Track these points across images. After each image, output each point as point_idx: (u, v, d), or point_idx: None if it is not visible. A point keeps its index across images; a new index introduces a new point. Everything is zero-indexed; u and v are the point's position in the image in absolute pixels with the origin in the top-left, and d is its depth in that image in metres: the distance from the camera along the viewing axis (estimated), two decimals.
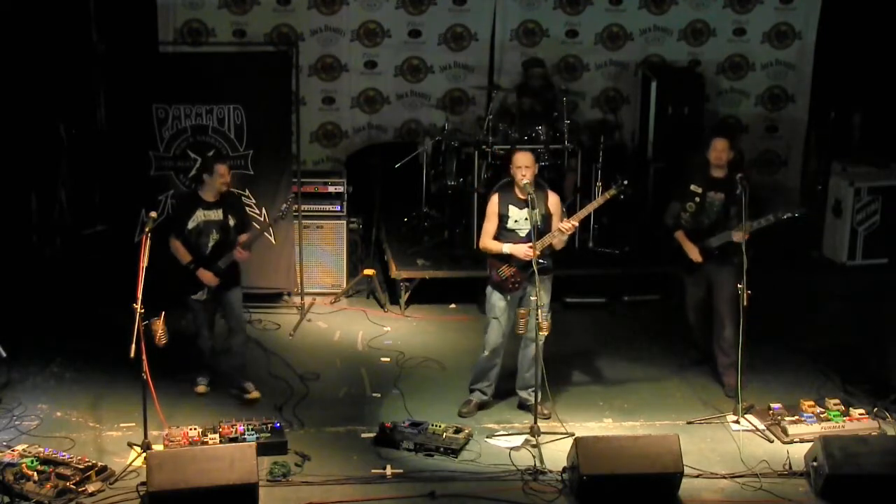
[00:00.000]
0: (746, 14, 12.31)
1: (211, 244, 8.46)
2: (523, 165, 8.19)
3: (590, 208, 8.54)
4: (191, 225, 8.44)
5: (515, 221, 8.25)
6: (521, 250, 8.15)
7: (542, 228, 8.15)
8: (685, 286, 9.04)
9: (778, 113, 12.57)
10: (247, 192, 10.00)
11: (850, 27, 11.97)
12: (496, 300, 8.35)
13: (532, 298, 8.00)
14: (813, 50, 12.30)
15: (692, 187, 8.71)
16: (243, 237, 8.55)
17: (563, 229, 8.13)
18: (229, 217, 8.50)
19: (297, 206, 10.25)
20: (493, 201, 8.33)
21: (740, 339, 8.28)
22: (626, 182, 8.49)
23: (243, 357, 8.81)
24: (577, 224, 8.25)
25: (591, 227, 11.08)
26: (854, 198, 11.41)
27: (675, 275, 9.21)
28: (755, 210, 8.50)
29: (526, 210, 8.19)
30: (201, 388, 8.72)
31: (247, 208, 9.34)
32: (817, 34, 12.24)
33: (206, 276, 8.44)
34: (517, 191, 8.24)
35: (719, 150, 8.62)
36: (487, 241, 8.32)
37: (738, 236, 8.40)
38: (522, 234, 8.24)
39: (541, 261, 8.09)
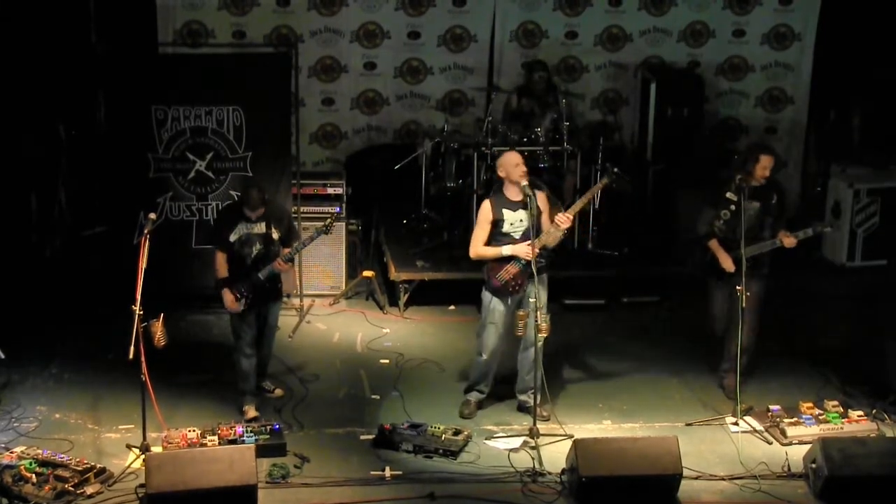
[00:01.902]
0: (746, 15, 12.31)
1: (254, 255, 8.35)
2: (521, 163, 8.20)
3: (584, 200, 8.51)
4: (233, 237, 8.34)
5: (511, 224, 8.23)
6: (523, 250, 8.14)
7: (538, 227, 8.17)
8: (712, 295, 8.80)
9: (777, 114, 12.58)
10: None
11: (850, 28, 11.97)
12: (496, 305, 8.33)
13: (531, 300, 8.01)
14: (812, 51, 12.30)
15: (728, 195, 8.59)
16: (286, 250, 8.41)
17: (560, 223, 8.13)
18: (272, 229, 8.37)
19: (296, 207, 10.26)
20: (487, 208, 8.28)
21: (739, 341, 8.29)
22: (616, 170, 8.54)
23: (266, 362, 8.77)
24: (572, 217, 8.24)
25: (591, 228, 11.07)
26: (853, 199, 11.41)
27: (704, 282, 8.92)
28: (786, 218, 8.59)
29: (520, 212, 8.18)
30: (252, 413, 8.36)
31: (293, 220, 9.09)
32: (816, 36, 12.24)
33: (227, 298, 8.29)
34: (511, 193, 8.23)
35: (765, 167, 8.50)
36: (481, 249, 8.28)
37: (789, 241, 8.40)
38: (517, 236, 8.24)
39: (540, 260, 8.10)
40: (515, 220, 8.23)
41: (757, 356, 8.90)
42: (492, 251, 8.24)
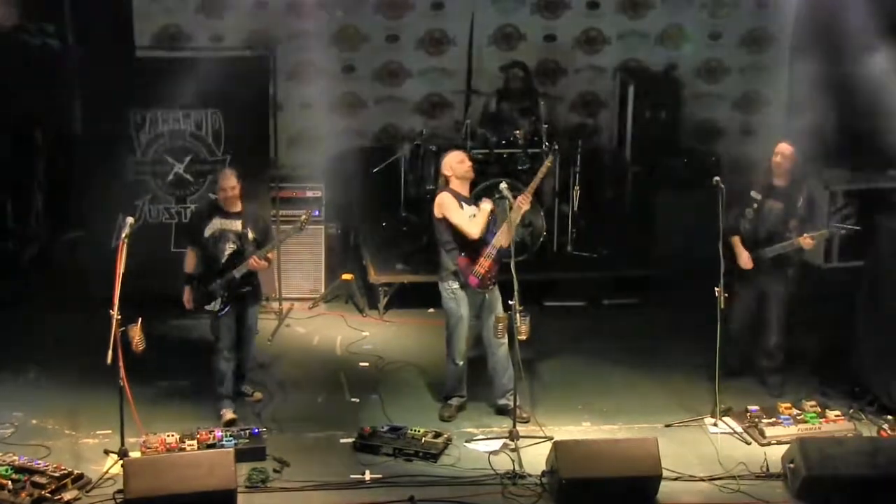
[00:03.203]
0: (722, 18, 12.36)
1: (228, 252, 8.35)
2: (465, 159, 8.42)
3: (538, 178, 8.53)
4: (207, 233, 8.34)
5: (469, 217, 8.34)
6: (504, 239, 8.20)
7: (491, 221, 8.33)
8: (735, 295, 8.67)
9: (754, 117, 12.63)
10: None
11: (824, 30, 12.02)
12: (461, 311, 8.38)
13: (511, 302, 8.03)
14: (787, 54, 12.36)
15: (752, 193, 8.64)
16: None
17: (521, 204, 8.20)
18: (248, 228, 8.35)
19: (275, 210, 10.24)
20: (450, 197, 8.33)
21: (718, 342, 8.34)
22: (556, 146, 8.81)
23: (245, 366, 8.74)
24: (530, 197, 8.33)
25: (570, 231, 11.10)
26: (830, 201, 11.46)
27: (735, 280, 8.79)
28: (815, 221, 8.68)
29: (473, 207, 8.32)
30: (230, 416, 8.31)
31: (270, 223, 9.03)
32: (791, 38, 12.30)
33: (186, 296, 8.36)
34: (459, 189, 8.34)
35: (784, 155, 8.52)
36: (472, 227, 8.27)
37: (807, 243, 8.44)
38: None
39: (505, 250, 8.20)
40: (469, 215, 8.32)
41: (736, 357, 8.94)
42: (482, 218, 8.27)
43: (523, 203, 8.23)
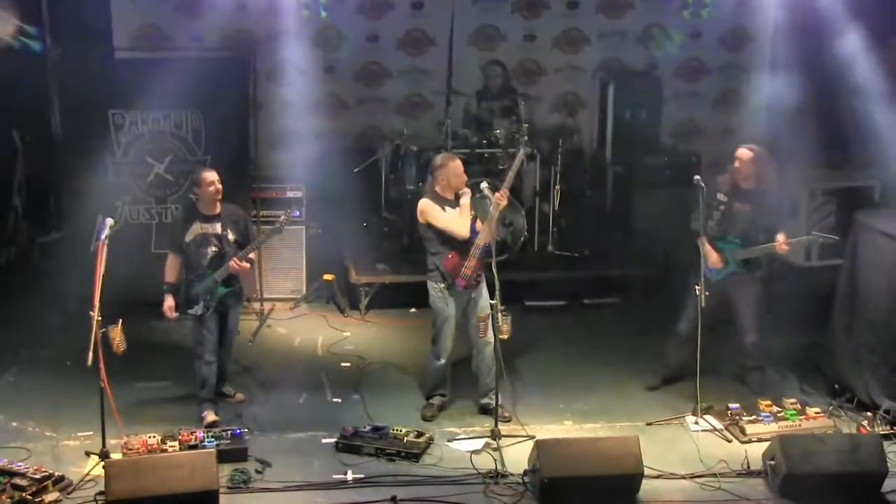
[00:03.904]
0: (701, 18, 12.40)
1: (210, 256, 8.30)
2: (463, 172, 8.42)
3: (512, 174, 8.55)
4: (188, 238, 8.30)
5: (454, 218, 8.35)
6: (487, 237, 8.24)
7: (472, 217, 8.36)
8: (689, 297, 8.61)
9: (734, 116, 12.68)
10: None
11: (803, 30, 12.08)
12: (448, 309, 8.41)
13: (492, 301, 8.05)
14: (767, 53, 12.41)
15: (718, 196, 8.64)
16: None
17: (497, 200, 8.22)
18: (228, 231, 8.33)
19: (255, 210, 10.23)
20: (429, 203, 8.35)
21: (699, 340, 8.37)
22: (525, 138, 8.96)
23: (227, 367, 8.73)
24: (507, 193, 8.37)
25: (551, 230, 11.12)
26: (809, 199, 11.51)
27: (690, 279, 8.75)
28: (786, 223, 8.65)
29: (457, 209, 8.32)
30: (211, 417, 8.27)
31: (250, 224, 8.96)
32: (771, 37, 12.35)
33: (168, 304, 8.30)
34: (444, 192, 8.34)
35: (742, 161, 8.50)
36: (459, 226, 8.30)
37: (783, 249, 8.44)
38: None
39: (487, 247, 8.23)
40: (451, 217, 8.34)
41: (715, 355, 8.97)
42: (465, 215, 8.29)
43: (501, 199, 8.25)
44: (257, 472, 7.64)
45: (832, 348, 9.03)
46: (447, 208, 8.34)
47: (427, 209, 8.34)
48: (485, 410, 8.53)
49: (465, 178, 8.43)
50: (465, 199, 8.37)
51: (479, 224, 8.35)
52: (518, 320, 8.28)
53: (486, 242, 8.26)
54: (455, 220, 8.31)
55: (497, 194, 8.26)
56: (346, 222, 11.47)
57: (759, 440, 8.07)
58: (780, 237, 8.48)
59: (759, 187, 8.56)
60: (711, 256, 8.59)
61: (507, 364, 8.26)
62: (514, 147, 8.88)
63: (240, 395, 8.75)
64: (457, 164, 8.42)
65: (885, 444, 7.79)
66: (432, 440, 8.12)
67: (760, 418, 8.32)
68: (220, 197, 8.33)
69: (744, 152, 8.58)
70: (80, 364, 7.48)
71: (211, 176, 8.29)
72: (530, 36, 12.31)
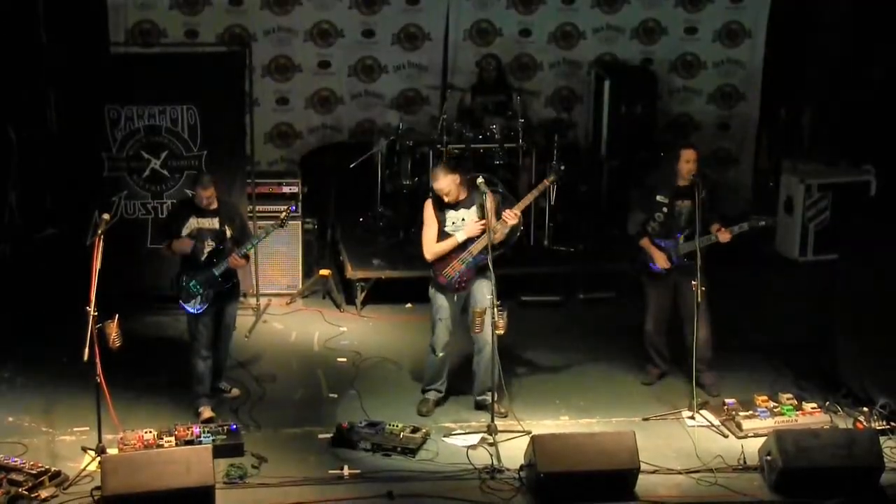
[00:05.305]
0: (698, 13, 12.41)
1: (207, 251, 8.29)
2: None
3: (530, 197, 8.55)
4: (185, 232, 8.29)
5: (453, 223, 8.33)
6: (474, 228, 8.21)
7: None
8: (647, 296, 8.87)
9: (729, 111, 12.68)
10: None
11: (799, 25, 12.11)
12: (442, 302, 8.42)
13: (487, 297, 8.04)
14: (763, 48, 12.42)
15: (658, 198, 8.66)
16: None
17: (507, 219, 8.19)
18: (226, 227, 8.32)
19: (251, 206, 10.22)
20: (430, 209, 8.36)
21: (695, 336, 8.39)
22: (563, 167, 8.70)
23: (223, 363, 8.71)
24: (519, 214, 8.29)
25: (546, 225, 11.12)
26: (805, 194, 11.54)
27: (638, 283, 9.00)
28: (720, 210, 8.70)
29: (462, 211, 8.29)
30: (207, 413, 8.25)
31: (246, 220, 8.96)
32: (767, 32, 12.36)
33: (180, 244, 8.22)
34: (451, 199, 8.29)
35: (688, 160, 8.56)
36: (435, 247, 8.33)
37: (724, 237, 8.46)
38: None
39: (482, 256, 8.17)
40: (457, 219, 8.32)
41: (714, 350, 8.98)
42: (447, 244, 8.28)
43: (510, 218, 8.19)
44: (253, 467, 7.64)
45: (828, 343, 9.04)
46: (447, 210, 8.32)
47: (425, 209, 8.37)
48: (481, 407, 8.53)
49: (455, 194, 8.30)
50: (471, 212, 8.28)
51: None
52: (514, 315, 8.28)
53: (481, 251, 8.19)
54: (429, 241, 8.31)
55: (506, 212, 8.18)
56: (341, 217, 11.46)
57: (756, 435, 8.07)
58: (714, 227, 8.53)
59: (693, 181, 8.55)
60: (657, 256, 8.63)
61: (503, 359, 8.25)
62: (548, 170, 8.69)
63: (236, 391, 8.75)
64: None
65: (882, 439, 7.82)
66: (428, 435, 8.11)
67: (757, 414, 8.32)
68: (215, 205, 8.33)
69: (690, 153, 8.63)
70: (76, 360, 7.46)
71: (205, 192, 8.26)
72: (526, 31, 12.29)
